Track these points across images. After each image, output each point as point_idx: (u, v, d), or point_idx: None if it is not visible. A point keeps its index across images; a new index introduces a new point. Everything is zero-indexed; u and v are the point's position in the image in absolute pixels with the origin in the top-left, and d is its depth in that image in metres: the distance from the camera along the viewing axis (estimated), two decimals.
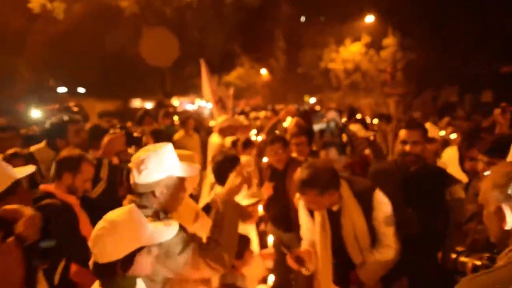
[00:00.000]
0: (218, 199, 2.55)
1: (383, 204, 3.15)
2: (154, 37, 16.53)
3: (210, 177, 4.14)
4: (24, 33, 15.71)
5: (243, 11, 18.69)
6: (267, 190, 4.23)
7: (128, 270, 1.97)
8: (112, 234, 1.94)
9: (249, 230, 3.61)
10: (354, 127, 5.53)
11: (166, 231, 2.11)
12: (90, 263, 2.00)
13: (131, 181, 2.47)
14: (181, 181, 2.48)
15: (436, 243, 3.35)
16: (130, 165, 2.48)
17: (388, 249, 3.14)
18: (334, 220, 3.16)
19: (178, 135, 7.81)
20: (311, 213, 3.31)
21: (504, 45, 15.26)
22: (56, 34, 16.12)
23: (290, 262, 3.26)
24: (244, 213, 3.56)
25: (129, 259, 1.95)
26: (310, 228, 3.34)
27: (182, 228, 2.37)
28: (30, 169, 2.78)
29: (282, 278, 4.02)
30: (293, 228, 4.04)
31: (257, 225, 4.14)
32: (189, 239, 2.36)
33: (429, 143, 4.54)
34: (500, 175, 1.67)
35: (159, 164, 2.39)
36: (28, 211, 0.60)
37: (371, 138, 5.64)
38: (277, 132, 6.84)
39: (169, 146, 2.51)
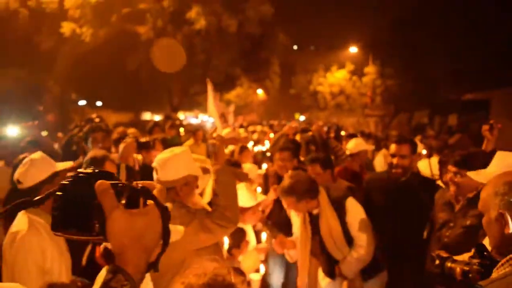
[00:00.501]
0: (213, 169, 2.58)
1: (354, 210, 3.25)
2: (164, 48, 16.87)
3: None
4: (54, 53, 16.02)
5: (245, 39, 19.15)
6: (272, 194, 4.05)
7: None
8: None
9: (247, 228, 3.51)
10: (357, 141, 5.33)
11: (176, 232, 2.14)
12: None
13: (155, 179, 2.52)
14: (196, 179, 2.59)
15: (420, 245, 3.29)
16: (153, 164, 2.57)
17: (361, 249, 3.20)
18: (315, 222, 3.30)
19: (189, 143, 7.98)
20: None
21: (467, 77, 15.79)
22: (82, 55, 16.47)
23: (276, 245, 3.49)
24: (240, 175, 3.63)
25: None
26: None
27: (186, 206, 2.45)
28: (68, 164, 2.79)
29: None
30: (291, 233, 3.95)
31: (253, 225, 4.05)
32: (194, 211, 2.44)
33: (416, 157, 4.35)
34: (501, 184, 1.59)
35: (180, 164, 2.48)
36: (158, 185, 0.78)
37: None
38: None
39: (187, 150, 2.62)
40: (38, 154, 2.51)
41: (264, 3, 17.61)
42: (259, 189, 4.45)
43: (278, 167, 4.25)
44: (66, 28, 14.26)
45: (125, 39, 17.39)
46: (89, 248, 2.90)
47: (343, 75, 29.10)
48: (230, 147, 6.14)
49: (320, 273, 3.46)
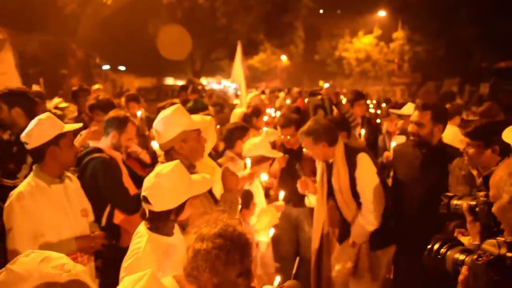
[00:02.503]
0: (221, 196, 2.58)
1: (364, 166, 3.23)
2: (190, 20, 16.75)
3: None
4: (78, 16, 16.09)
5: (268, 2, 18.74)
6: (281, 162, 3.94)
7: (180, 216, 2.06)
8: (169, 187, 1.96)
9: (256, 188, 3.53)
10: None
11: (206, 182, 2.17)
12: (143, 211, 2.05)
13: (158, 144, 2.58)
14: (197, 133, 2.54)
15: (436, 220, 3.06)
16: (152, 130, 2.58)
17: (368, 212, 3.19)
18: (329, 172, 3.36)
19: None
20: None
21: (501, 44, 15.09)
22: (104, 18, 16.51)
23: (300, 184, 3.55)
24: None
25: (181, 207, 2.03)
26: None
27: None
28: (77, 125, 2.74)
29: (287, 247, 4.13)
30: (300, 204, 3.93)
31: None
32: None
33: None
34: None
35: (171, 123, 2.45)
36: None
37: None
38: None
39: (177, 106, 2.56)
40: (45, 115, 2.47)
41: None
42: None
43: (285, 141, 4.20)
44: None
45: (147, 2, 17.28)
46: (108, 209, 2.96)
47: (370, 40, 28.22)
48: (241, 110, 6.08)
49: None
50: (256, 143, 3.59)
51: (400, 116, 4.99)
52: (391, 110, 5.05)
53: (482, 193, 1.80)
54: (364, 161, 3.25)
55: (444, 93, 18.66)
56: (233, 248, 1.42)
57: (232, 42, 19.03)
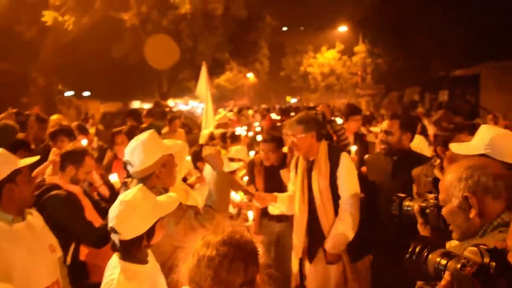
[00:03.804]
0: (217, 174, 2.59)
1: (347, 165, 3.23)
2: (156, 43, 16.71)
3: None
4: (37, 43, 15.73)
5: (232, 22, 18.95)
6: (255, 190, 3.88)
7: (151, 240, 2.01)
8: (135, 212, 1.92)
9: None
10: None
11: (173, 201, 2.14)
12: (113, 243, 1.99)
13: (130, 172, 2.49)
14: (172, 158, 2.55)
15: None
16: (124, 159, 2.50)
17: (349, 218, 3.15)
18: (309, 169, 3.31)
19: (164, 130, 7.82)
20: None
21: (457, 53, 15.81)
22: (66, 44, 16.20)
23: (257, 200, 3.47)
24: (234, 183, 3.61)
25: (152, 231, 1.99)
26: (293, 181, 3.50)
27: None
28: (34, 158, 2.54)
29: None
30: (284, 219, 3.92)
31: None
32: (185, 207, 2.42)
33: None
34: (464, 169, 1.56)
35: (151, 148, 2.43)
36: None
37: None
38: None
39: (152, 132, 2.55)
40: None
41: None
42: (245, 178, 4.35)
43: (264, 157, 4.13)
44: (48, 16, 13.97)
45: (110, 26, 17.11)
46: (72, 246, 2.87)
47: (333, 55, 29.01)
48: (219, 130, 6.18)
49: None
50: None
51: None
52: (372, 129, 5.02)
53: (432, 195, 1.82)
54: (347, 160, 3.27)
55: (407, 102, 19.34)
56: (238, 256, 1.37)
57: (198, 62, 19.06)
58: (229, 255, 1.36)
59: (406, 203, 1.97)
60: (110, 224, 1.94)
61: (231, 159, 3.91)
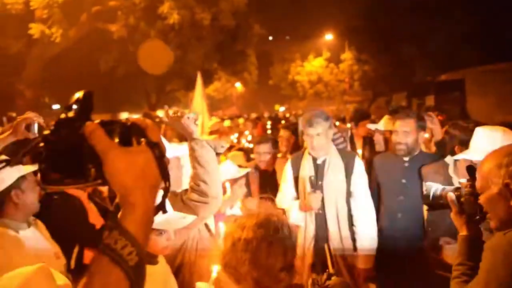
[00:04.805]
0: (189, 143, 2.37)
1: (362, 171, 3.05)
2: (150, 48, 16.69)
3: None
4: (24, 56, 15.60)
5: (219, 32, 19.06)
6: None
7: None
8: None
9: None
10: None
11: (180, 222, 2.05)
12: None
13: None
14: (178, 161, 2.56)
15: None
16: None
17: (373, 227, 2.95)
18: (319, 172, 3.03)
19: None
20: (296, 178, 3.10)
21: (442, 58, 16.14)
22: (53, 56, 16.10)
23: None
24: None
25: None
26: (289, 190, 3.14)
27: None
28: (35, 167, 2.56)
29: None
30: None
31: None
32: (176, 192, 2.33)
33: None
34: (504, 155, 1.51)
35: None
36: (149, 121, 0.67)
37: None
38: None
39: None
40: None
41: None
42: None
43: (260, 160, 3.94)
44: (35, 29, 13.86)
45: (97, 38, 17.07)
46: (76, 250, 2.85)
47: (320, 63, 29.31)
48: (212, 137, 6.15)
49: None
50: (229, 171, 3.45)
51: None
52: (369, 125, 5.06)
53: (466, 183, 1.77)
54: (361, 166, 3.10)
55: (395, 108, 19.58)
56: (276, 240, 1.28)
57: (187, 72, 19.11)
58: (267, 238, 1.28)
59: (438, 192, 1.91)
60: None
61: None
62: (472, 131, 2.71)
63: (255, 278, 1.28)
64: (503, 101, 14.23)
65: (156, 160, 0.81)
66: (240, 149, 7.13)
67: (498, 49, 13.91)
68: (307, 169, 3.09)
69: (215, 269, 1.92)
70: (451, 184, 2.78)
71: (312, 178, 2.99)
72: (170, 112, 2.51)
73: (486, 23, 13.94)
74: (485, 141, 2.26)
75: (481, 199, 1.59)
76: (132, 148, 0.81)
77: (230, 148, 5.59)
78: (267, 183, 3.76)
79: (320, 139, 2.98)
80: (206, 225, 2.57)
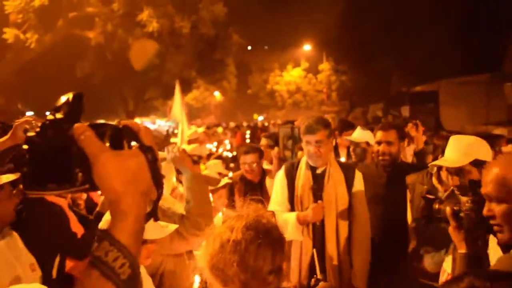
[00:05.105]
0: (184, 177, 2.39)
1: (361, 183, 2.92)
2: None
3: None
4: None
5: (199, 40, 19.06)
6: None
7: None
8: None
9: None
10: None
11: (161, 231, 2.07)
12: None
13: None
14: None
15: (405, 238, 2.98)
16: None
17: (364, 224, 2.85)
18: (318, 182, 2.85)
19: None
20: (291, 189, 2.90)
21: (416, 69, 16.60)
22: (27, 62, 15.71)
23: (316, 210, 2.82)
24: (211, 180, 3.43)
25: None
26: (283, 201, 2.92)
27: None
28: (15, 176, 2.45)
29: None
30: None
31: None
32: (170, 214, 2.33)
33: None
34: None
35: None
36: (142, 125, 0.64)
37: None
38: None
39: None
40: None
41: (217, 3, 17.61)
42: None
43: (247, 170, 3.80)
44: (9, 34, 13.52)
45: (74, 44, 16.78)
46: (57, 260, 2.77)
47: (299, 73, 29.64)
48: (191, 146, 6.13)
49: None
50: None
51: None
52: (348, 138, 5.04)
53: (467, 198, 1.72)
54: (361, 179, 2.92)
55: (372, 118, 19.94)
56: (265, 242, 1.27)
57: (165, 81, 18.99)
58: (256, 240, 1.26)
59: (436, 205, 1.88)
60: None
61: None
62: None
63: (243, 280, 1.27)
64: (474, 112, 14.72)
65: (149, 165, 0.79)
66: (219, 157, 7.16)
67: (469, 62, 14.42)
68: (305, 179, 2.87)
69: (197, 279, 1.88)
70: (435, 193, 2.76)
71: (315, 187, 2.78)
72: (172, 149, 2.49)
73: (459, 36, 14.45)
74: (460, 149, 2.31)
75: (498, 210, 1.47)
76: (124, 151, 0.78)
77: (209, 156, 5.71)
78: (254, 194, 3.53)
79: (320, 147, 2.79)
80: None
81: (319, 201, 2.76)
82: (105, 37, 16.85)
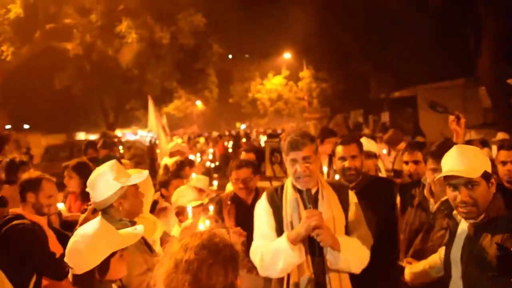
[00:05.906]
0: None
1: (357, 203, 2.54)
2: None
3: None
4: None
5: (179, 50, 19.03)
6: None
7: (105, 275, 1.91)
8: (86, 245, 1.86)
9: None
10: None
11: (134, 234, 2.08)
12: (69, 276, 1.92)
13: (92, 202, 2.49)
14: (135, 188, 2.48)
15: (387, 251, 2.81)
16: (87, 189, 2.49)
17: (365, 238, 2.43)
18: (312, 200, 2.38)
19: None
20: (278, 218, 2.46)
21: (395, 75, 16.88)
22: (3, 75, 15.42)
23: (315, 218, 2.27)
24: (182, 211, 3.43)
25: (105, 265, 1.89)
26: (270, 233, 2.45)
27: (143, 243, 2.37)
28: None
29: None
30: None
31: None
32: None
33: (368, 157, 3.72)
34: None
35: (108, 181, 2.38)
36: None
37: None
38: None
39: (114, 162, 2.51)
40: None
41: (196, 14, 17.63)
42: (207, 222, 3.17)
43: (240, 187, 3.35)
44: None
45: (52, 56, 16.56)
46: (33, 279, 2.74)
47: (280, 81, 29.90)
48: (173, 159, 6.08)
49: None
50: (181, 193, 3.53)
51: None
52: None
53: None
54: (356, 199, 2.56)
55: (353, 124, 20.18)
56: (217, 261, 1.32)
57: (146, 91, 18.86)
58: (208, 259, 1.31)
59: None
60: (65, 258, 1.90)
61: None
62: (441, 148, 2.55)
63: None
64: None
65: None
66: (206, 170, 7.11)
67: (444, 68, 14.74)
68: (294, 204, 2.43)
69: None
70: (426, 205, 2.79)
71: (309, 207, 2.34)
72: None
73: (434, 43, 14.77)
74: (469, 160, 2.11)
75: None
76: None
77: (192, 165, 5.60)
78: (247, 215, 2.84)
79: (309, 163, 2.38)
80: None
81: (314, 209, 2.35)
82: (84, 48, 16.68)
